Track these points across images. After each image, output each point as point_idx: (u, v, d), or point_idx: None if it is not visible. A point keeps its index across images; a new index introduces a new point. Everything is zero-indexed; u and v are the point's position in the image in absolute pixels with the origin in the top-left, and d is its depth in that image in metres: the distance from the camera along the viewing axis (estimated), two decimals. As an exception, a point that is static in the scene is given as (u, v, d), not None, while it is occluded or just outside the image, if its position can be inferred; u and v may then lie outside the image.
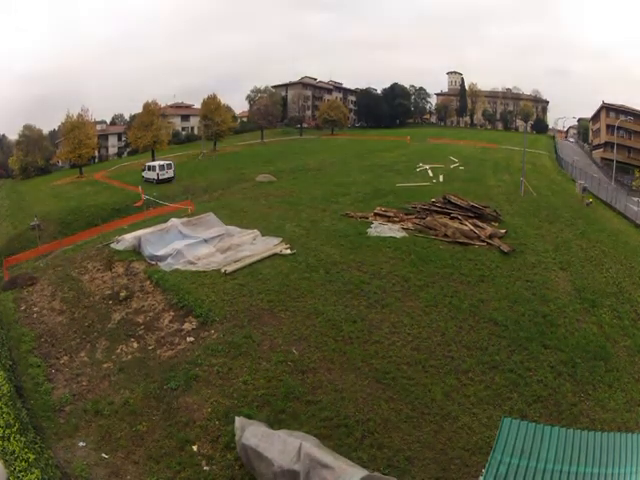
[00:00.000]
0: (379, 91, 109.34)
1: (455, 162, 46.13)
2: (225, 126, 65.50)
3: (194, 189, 38.69)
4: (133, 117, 70.92)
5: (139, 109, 60.46)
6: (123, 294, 16.44)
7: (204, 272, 17.62)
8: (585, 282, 16.90)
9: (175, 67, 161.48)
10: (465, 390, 11.36)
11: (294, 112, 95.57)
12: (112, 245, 21.25)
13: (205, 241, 20.35)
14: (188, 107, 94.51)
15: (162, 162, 46.29)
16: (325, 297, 15.41)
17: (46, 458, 8.89)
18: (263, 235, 21.32)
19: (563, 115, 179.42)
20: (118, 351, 13.53)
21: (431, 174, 39.03)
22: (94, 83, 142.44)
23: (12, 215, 39.76)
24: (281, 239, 20.68)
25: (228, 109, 68.98)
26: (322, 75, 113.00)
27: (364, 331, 13.56)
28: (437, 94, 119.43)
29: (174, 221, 22.27)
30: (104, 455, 9.86)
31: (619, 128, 60.98)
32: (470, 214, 23.49)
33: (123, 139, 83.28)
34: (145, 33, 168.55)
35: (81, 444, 10.16)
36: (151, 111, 57.76)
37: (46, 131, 75.22)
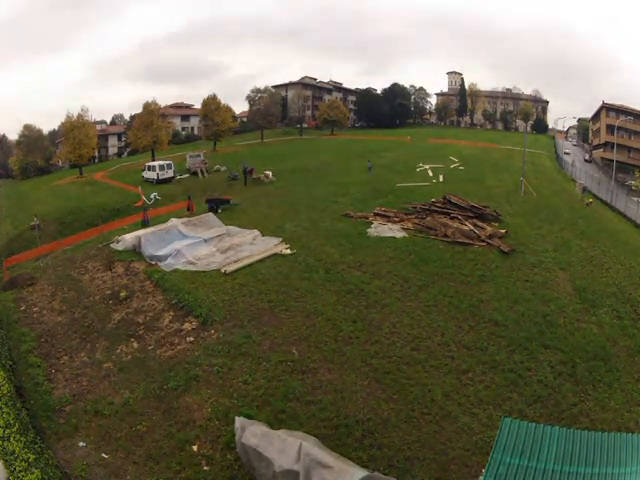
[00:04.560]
0: (379, 91, 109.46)
1: (455, 162, 46.16)
2: (225, 126, 65.51)
3: (194, 189, 38.70)
4: (133, 117, 70.93)
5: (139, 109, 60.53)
6: (123, 294, 16.44)
7: (204, 272, 17.63)
8: (585, 282, 16.89)
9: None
10: (465, 390, 11.36)
11: (294, 112, 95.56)
12: (112, 245, 21.26)
13: (205, 241, 20.37)
14: (188, 107, 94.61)
15: (162, 162, 46.32)
16: (325, 297, 15.42)
17: (46, 458, 8.89)
18: (263, 235, 21.33)
19: (563, 115, 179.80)
20: (118, 351, 13.53)
21: (431, 174, 39.05)
22: None
23: (12, 215, 39.75)
24: (281, 239, 20.69)
25: (228, 109, 68.92)
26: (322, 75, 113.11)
27: (364, 331, 13.56)
28: (437, 94, 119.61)
29: (174, 221, 22.30)
30: (104, 455, 9.86)
31: (619, 128, 60.94)
32: (470, 214, 23.48)
33: (123, 139, 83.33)
34: None
35: (81, 444, 10.15)
36: (151, 111, 57.76)
37: (46, 131, 75.45)
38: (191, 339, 13.68)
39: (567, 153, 72.08)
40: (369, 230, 21.71)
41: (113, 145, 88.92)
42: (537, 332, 13.59)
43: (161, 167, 44.62)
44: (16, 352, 13.56)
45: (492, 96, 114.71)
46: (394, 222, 23.00)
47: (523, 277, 17.01)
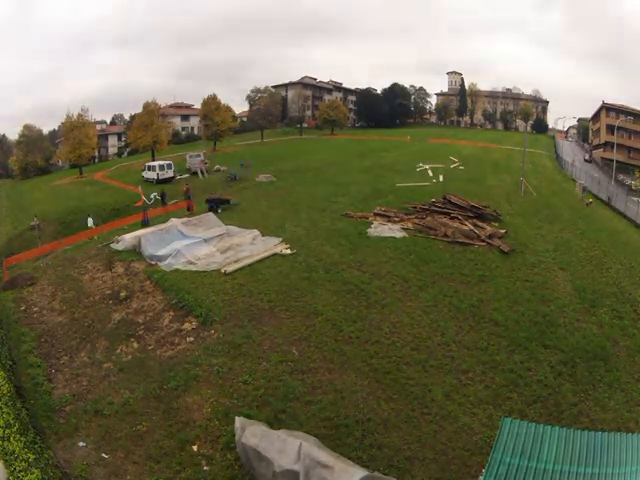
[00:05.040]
0: (379, 91, 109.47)
1: (455, 162, 46.14)
2: (225, 126, 65.50)
3: (194, 189, 38.69)
4: (133, 117, 70.95)
5: (139, 109, 60.54)
6: (123, 294, 16.43)
7: (204, 272, 17.63)
8: (585, 282, 16.89)
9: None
10: (465, 390, 11.36)
11: (294, 112, 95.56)
12: (112, 245, 21.25)
13: (205, 241, 20.36)
14: (188, 107, 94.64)
15: (162, 162, 46.35)
16: (325, 297, 15.41)
17: (46, 458, 8.89)
18: (263, 235, 21.33)
19: (563, 115, 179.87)
20: (118, 351, 13.53)
21: (431, 174, 39.03)
22: None
23: (12, 215, 39.79)
24: (281, 239, 20.69)
25: (228, 109, 68.92)
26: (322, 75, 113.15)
27: (364, 331, 13.56)
28: (437, 94, 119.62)
29: (174, 221, 22.30)
30: (104, 455, 9.86)
31: (619, 128, 60.93)
32: (470, 214, 23.48)
33: (123, 139, 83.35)
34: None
35: (81, 444, 10.15)
36: (151, 111, 57.74)
37: (46, 131, 75.49)
38: (191, 339, 13.68)
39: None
40: (369, 230, 21.70)
41: (113, 145, 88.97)
42: (537, 332, 13.58)
43: (161, 167, 44.66)
44: (16, 352, 13.56)
45: (492, 96, 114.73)
46: (394, 222, 23.00)
47: (523, 277, 17.01)
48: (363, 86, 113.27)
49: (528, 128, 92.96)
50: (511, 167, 44.56)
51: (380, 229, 21.79)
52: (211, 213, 24.30)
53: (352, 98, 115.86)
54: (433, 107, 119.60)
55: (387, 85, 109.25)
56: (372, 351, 12.69)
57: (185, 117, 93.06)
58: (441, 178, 36.76)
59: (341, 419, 10.44)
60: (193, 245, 19.86)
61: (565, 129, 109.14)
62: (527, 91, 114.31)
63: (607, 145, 64.17)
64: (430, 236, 20.84)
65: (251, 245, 20.22)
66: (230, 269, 17.49)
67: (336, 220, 23.78)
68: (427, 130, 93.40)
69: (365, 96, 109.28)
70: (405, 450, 9.72)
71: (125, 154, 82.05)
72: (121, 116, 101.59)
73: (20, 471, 7.69)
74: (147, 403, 11.31)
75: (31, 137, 65.38)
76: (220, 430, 10.30)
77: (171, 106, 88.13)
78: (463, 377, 11.78)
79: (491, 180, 37.19)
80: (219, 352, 12.85)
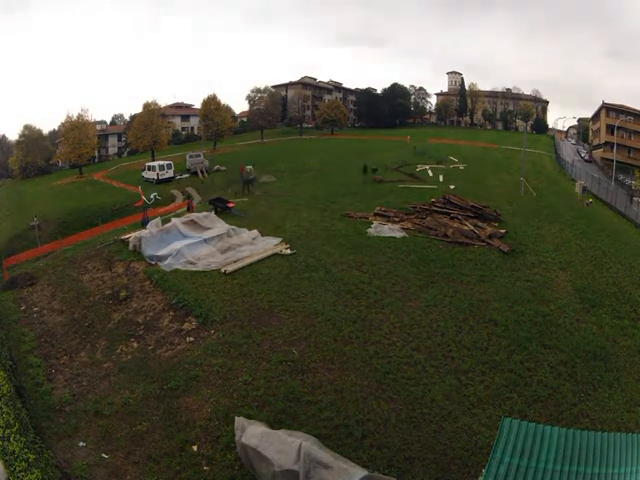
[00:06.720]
0: (379, 91, 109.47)
1: (455, 162, 46.16)
2: (225, 126, 65.58)
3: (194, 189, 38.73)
4: (133, 117, 70.99)
5: (139, 109, 60.63)
6: (123, 294, 16.43)
7: (204, 272, 17.63)
8: (585, 282, 16.89)
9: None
10: (465, 390, 11.35)
11: (294, 112, 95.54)
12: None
13: (205, 241, 20.34)
14: (188, 107, 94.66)
15: (162, 162, 46.40)
16: (325, 297, 15.41)
17: (46, 458, 8.87)
18: (263, 235, 21.33)
19: (563, 115, 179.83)
20: (118, 351, 13.53)
21: (431, 174, 39.06)
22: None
23: (12, 215, 39.82)
24: (281, 239, 20.69)
25: (228, 109, 69.00)
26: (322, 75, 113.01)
27: (364, 331, 13.56)
28: (437, 94, 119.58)
29: (174, 221, 22.28)
30: (104, 455, 9.85)
31: (619, 128, 60.93)
32: (470, 214, 23.50)
33: (123, 139, 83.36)
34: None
35: (81, 444, 10.15)
36: (151, 111, 57.82)
37: (46, 131, 75.42)
38: (191, 339, 13.67)
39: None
40: (369, 230, 21.72)
41: (113, 145, 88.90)
42: (537, 332, 13.59)
43: (161, 167, 44.71)
44: (16, 352, 13.55)
45: (492, 96, 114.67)
46: (394, 222, 23.00)
47: (523, 277, 17.01)
48: (363, 86, 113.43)
49: (528, 128, 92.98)
50: (511, 167, 44.59)
51: (380, 229, 21.80)
52: (211, 213, 24.30)
53: (352, 98, 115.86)
54: (433, 107, 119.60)
55: (387, 85, 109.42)
56: (372, 351, 12.69)
57: (185, 117, 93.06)
58: (441, 178, 36.81)
59: (341, 419, 10.43)
60: (193, 245, 19.84)
61: (565, 129, 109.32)
62: (527, 91, 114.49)
63: (607, 145, 64.19)
64: (430, 236, 20.84)
65: (251, 245, 20.22)
66: (230, 269, 17.49)
67: (336, 220, 23.79)
68: (427, 130, 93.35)
69: (365, 96, 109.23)
70: (405, 450, 9.71)
71: (125, 154, 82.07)
72: (121, 116, 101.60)
73: (20, 471, 7.68)
74: (147, 403, 11.30)
75: (31, 137, 65.36)
76: (220, 430, 10.29)
77: (171, 106, 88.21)
78: (463, 377, 11.77)
79: (491, 180, 37.22)
80: (219, 352, 12.85)
